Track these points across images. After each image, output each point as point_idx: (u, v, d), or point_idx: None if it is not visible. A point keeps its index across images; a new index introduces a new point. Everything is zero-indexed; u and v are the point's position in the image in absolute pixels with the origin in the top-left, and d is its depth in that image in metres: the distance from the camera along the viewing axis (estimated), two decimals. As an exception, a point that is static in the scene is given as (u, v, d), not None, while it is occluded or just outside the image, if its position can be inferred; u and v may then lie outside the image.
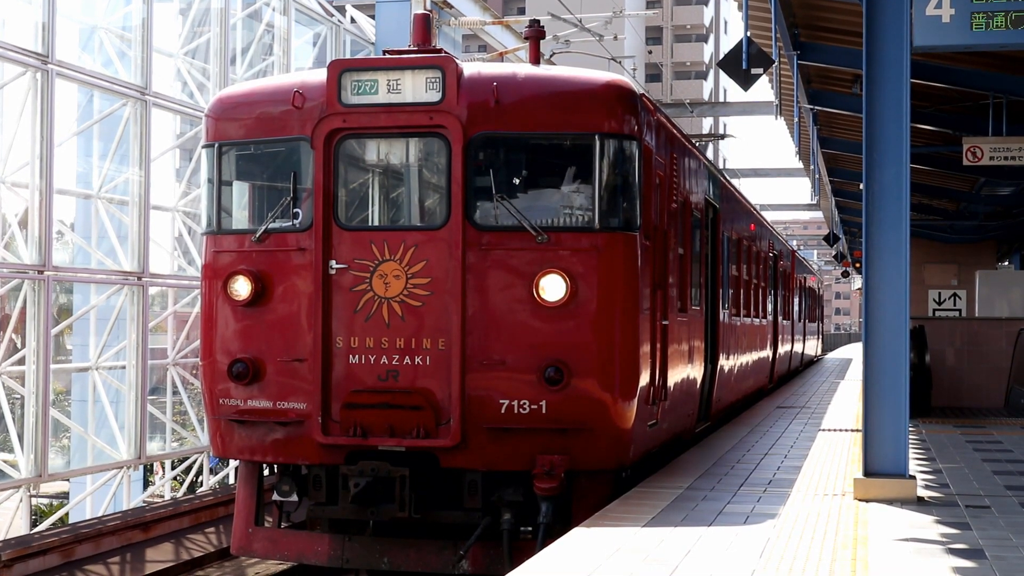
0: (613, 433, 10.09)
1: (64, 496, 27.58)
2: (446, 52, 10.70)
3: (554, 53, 27.26)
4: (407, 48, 11.00)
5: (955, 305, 31.53)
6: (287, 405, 10.42)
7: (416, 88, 10.27)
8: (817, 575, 7.25)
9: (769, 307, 24.22)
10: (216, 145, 10.89)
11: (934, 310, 31.32)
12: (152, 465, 25.88)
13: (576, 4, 41.61)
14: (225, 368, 10.59)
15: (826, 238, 47.28)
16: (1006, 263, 43.41)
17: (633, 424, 10.26)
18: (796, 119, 21.18)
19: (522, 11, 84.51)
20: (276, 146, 10.78)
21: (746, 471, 11.91)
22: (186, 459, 21.95)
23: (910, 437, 10.88)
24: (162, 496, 20.94)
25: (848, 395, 24.44)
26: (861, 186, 10.62)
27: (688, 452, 13.41)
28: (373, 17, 25.21)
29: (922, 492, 10.42)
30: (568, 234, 10.14)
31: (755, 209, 22.75)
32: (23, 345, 16.60)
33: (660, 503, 9.80)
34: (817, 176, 31.94)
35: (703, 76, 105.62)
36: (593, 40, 26.96)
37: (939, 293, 32.07)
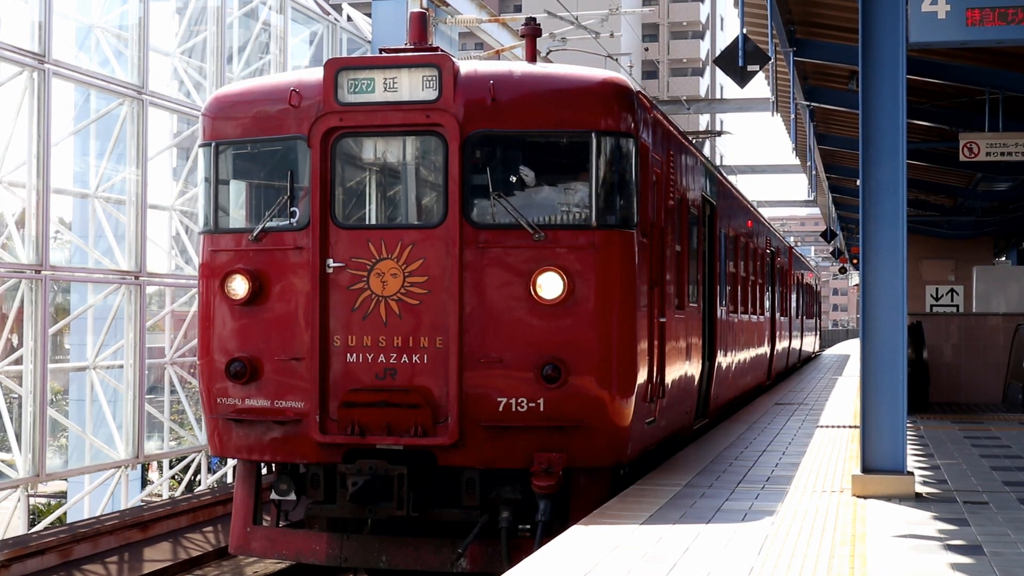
0: (611, 430, 10.09)
1: (62, 496, 27.61)
2: (442, 50, 10.69)
3: (551, 51, 27.27)
4: (404, 46, 11.01)
5: (952, 301, 31.48)
6: (285, 404, 10.42)
7: (413, 86, 10.27)
8: (815, 572, 7.25)
9: (767, 304, 24.23)
10: (213, 144, 10.89)
11: (931, 306, 31.28)
12: (148, 464, 25.85)
13: (572, 2, 41.59)
14: (223, 367, 10.59)
15: (823, 234, 47.29)
16: (1003, 258, 43.40)
17: (631, 421, 10.26)
18: (793, 115, 21.18)
19: (518, 9, 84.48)
20: (273, 145, 10.77)
21: (744, 468, 11.92)
22: (184, 458, 21.94)
23: (908, 433, 10.89)
24: (160, 495, 20.94)
25: (846, 391, 24.46)
26: (858, 182, 10.62)
27: (686, 449, 13.42)
28: (369, 15, 25.20)
29: (920, 488, 10.42)
30: (565, 232, 10.14)
31: (752, 206, 22.76)
32: (20, 345, 16.59)
33: (658, 500, 9.80)
34: (814, 172, 31.96)
35: (699, 73, 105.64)
36: (589, 38, 26.96)
37: (936, 289, 32.03)
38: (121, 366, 18.78)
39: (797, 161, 33.79)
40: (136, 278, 18.51)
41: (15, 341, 17.65)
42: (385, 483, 9.98)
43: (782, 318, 28.29)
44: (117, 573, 13.79)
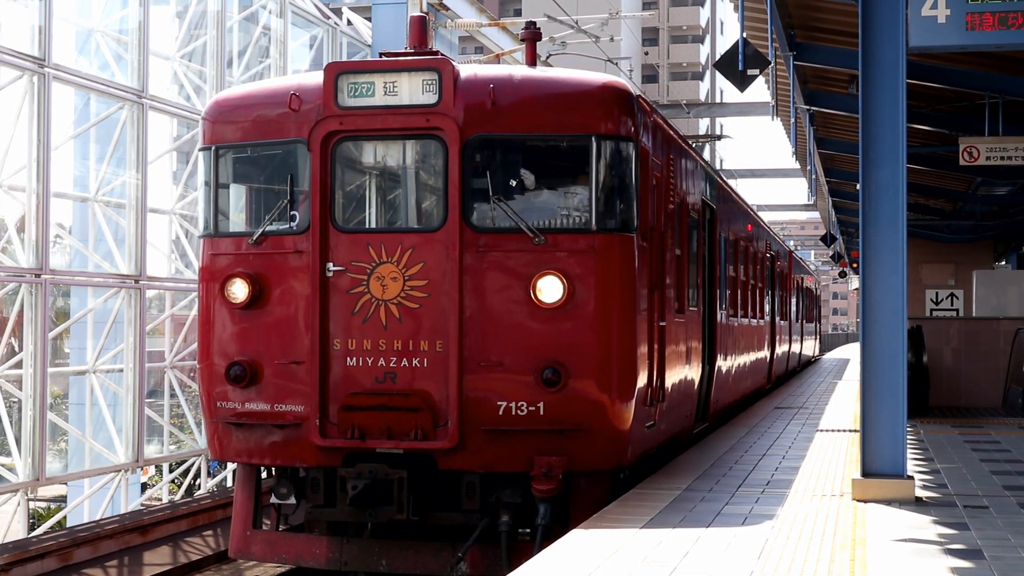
0: (611, 434, 10.09)
1: (62, 500, 27.56)
2: (442, 54, 10.70)
3: (551, 55, 27.26)
4: (404, 50, 11.01)
5: (952, 305, 31.45)
6: (285, 408, 10.42)
7: (413, 90, 10.27)
8: (815, 576, 7.26)
9: (767, 307, 24.23)
10: (213, 148, 10.89)
11: (931, 310, 31.26)
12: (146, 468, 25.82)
13: (572, 6, 41.66)
14: (223, 371, 10.59)
15: (823, 238, 47.28)
16: (1003, 263, 43.38)
17: (631, 425, 10.26)
18: (793, 120, 21.19)
19: (518, 13, 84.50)
20: (273, 149, 10.78)
21: (744, 472, 11.92)
22: (184, 462, 21.92)
23: (908, 437, 10.88)
24: (160, 499, 20.93)
25: (846, 395, 24.45)
26: (858, 186, 10.62)
27: (686, 453, 13.42)
28: (369, 19, 25.21)
29: (920, 492, 10.42)
30: (565, 235, 10.14)
31: (752, 210, 22.76)
32: (20, 349, 16.59)
33: (658, 504, 9.80)
34: (814, 176, 31.95)
35: (699, 77, 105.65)
36: (589, 42, 26.96)
37: (936, 293, 32.00)
38: (121, 370, 18.78)
39: (797, 165, 33.82)
40: (136, 282, 18.51)
41: (15, 345, 17.66)
42: (385, 487, 9.98)
43: (782, 322, 28.30)
44: (117, 577, 13.78)
